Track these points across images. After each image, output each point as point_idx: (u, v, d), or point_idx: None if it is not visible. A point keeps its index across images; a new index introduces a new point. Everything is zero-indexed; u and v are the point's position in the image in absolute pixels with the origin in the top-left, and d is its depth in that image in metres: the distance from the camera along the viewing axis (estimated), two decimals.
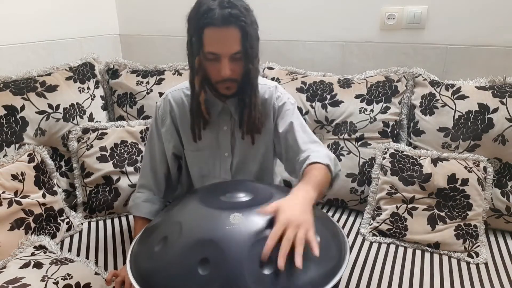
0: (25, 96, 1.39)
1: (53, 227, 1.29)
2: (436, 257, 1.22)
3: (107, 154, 1.46)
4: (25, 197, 1.22)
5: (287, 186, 1.48)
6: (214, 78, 1.00)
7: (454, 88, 1.38)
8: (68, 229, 1.35)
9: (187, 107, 1.11)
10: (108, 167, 1.45)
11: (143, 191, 1.21)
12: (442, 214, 1.25)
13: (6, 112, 1.33)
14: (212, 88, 1.04)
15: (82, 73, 1.61)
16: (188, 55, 1.02)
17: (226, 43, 0.93)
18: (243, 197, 0.86)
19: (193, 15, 0.94)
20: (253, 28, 0.95)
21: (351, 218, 1.45)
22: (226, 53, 0.93)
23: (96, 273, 1.09)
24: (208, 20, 0.90)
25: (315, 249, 0.70)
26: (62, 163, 1.51)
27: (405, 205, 1.29)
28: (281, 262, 0.67)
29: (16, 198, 1.20)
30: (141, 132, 1.52)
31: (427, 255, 1.23)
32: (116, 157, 1.47)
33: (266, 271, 0.69)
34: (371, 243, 1.29)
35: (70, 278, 1.02)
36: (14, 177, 1.22)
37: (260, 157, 1.18)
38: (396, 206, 1.30)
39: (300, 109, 1.50)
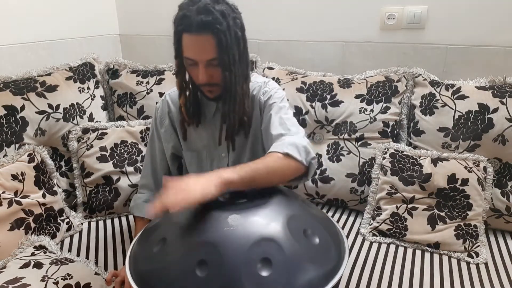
0: (25, 96, 1.39)
1: (53, 227, 1.29)
2: (436, 257, 1.22)
3: (107, 154, 1.46)
4: (25, 197, 1.22)
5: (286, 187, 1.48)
6: (196, 82, 1.02)
7: (454, 88, 1.38)
8: (68, 229, 1.35)
9: None
10: (108, 167, 1.45)
11: (144, 192, 1.21)
12: (442, 214, 1.25)
13: (6, 112, 1.33)
14: (199, 90, 1.06)
15: (82, 73, 1.61)
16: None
17: (200, 50, 0.93)
18: (241, 198, 0.86)
19: (174, 19, 0.95)
20: (232, 33, 0.93)
21: (351, 218, 1.45)
22: (202, 59, 0.94)
23: (96, 273, 1.09)
24: (183, 26, 0.92)
25: (151, 209, 0.74)
26: (62, 163, 1.51)
27: (405, 205, 1.29)
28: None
29: (16, 198, 1.20)
30: (141, 132, 1.52)
31: (427, 255, 1.23)
32: (116, 157, 1.47)
33: (264, 273, 0.69)
34: (371, 243, 1.29)
35: (70, 278, 1.02)
36: (14, 177, 1.22)
37: (254, 156, 1.16)
38: (396, 206, 1.30)
39: (300, 109, 1.50)
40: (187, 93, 1.07)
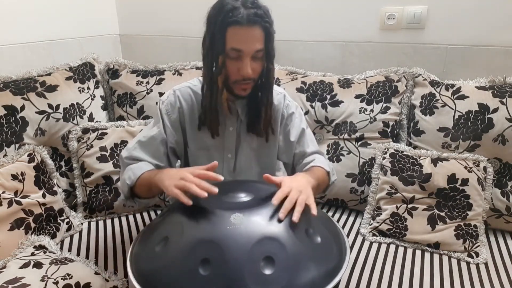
0: (25, 96, 1.39)
1: (53, 227, 1.29)
2: (436, 257, 1.22)
3: (107, 154, 1.46)
4: (25, 197, 1.22)
5: None
6: (233, 77, 1.00)
7: (454, 88, 1.38)
8: (68, 229, 1.34)
9: (195, 105, 1.11)
10: (108, 167, 1.45)
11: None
12: (442, 214, 1.25)
13: (6, 112, 1.33)
14: (227, 89, 1.03)
15: (82, 73, 1.61)
16: (205, 54, 1.01)
17: (250, 41, 0.94)
18: (244, 197, 0.86)
19: (216, 14, 0.95)
20: (273, 29, 0.98)
21: (351, 218, 1.45)
22: (249, 50, 0.95)
23: (96, 273, 1.08)
24: (233, 18, 0.92)
25: (314, 210, 0.81)
26: (62, 163, 1.51)
27: (405, 205, 1.29)
28: (281, 215, 0.77)
29: (16, 198, 1.20)
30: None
31: (427, 255, 1.23)
32: (116, 157, 1.47)
33: (267, 271, 0.69)
34: (371, 243, 1.29)
35: (70, 278, 1.02)
36: (14, 177, 1.22)
37: (264, 160, 1.18)
38: (396, 206, 1.30)
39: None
40: (215, 92, 1.03)
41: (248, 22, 0.92)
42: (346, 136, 1.46)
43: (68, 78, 1.55)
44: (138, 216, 1.47)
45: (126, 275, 1.14)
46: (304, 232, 0.78)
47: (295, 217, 0.77)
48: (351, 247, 1.27)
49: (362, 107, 1.46)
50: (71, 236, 1.34)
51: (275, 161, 1.22)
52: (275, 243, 0.73)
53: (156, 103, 1.17)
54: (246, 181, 1.12)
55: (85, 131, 1.49)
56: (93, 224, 1.42)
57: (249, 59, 0.95)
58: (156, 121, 1.14)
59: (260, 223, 0.77)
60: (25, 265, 1.05)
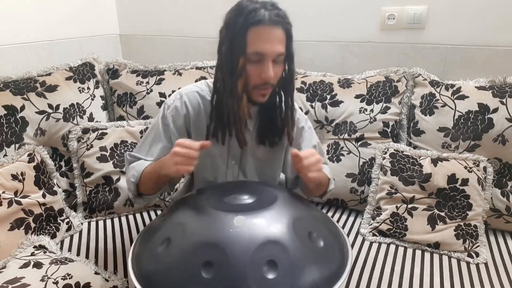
0: (25, 96, 1.39)
1: (53, 227, 1.29)
2: (436, 257, 1.22)
3: (107, 154, 1.46)
4: (25, 197, 1.22)
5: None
6: (253, 82, 0.95)
7: (454, 88, 1.38)
8: (68, 229, 1.34)
9: (203, 110, 1.06)
10: (108, 167, 1.45)
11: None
12: (442, 214, 1.25)
13: (6, 112, 1.33)
14: (246, 94, 0.98)
15: (82, 73, 1.61)
16: (224, 61, 0.95)
17: (272, 41, 0.91)
18: (247, 199, 0.85)
19: (235, 15, 0.91)
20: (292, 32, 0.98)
21: (351, 218, 1.45)
22: (272, 52, 0.91)
23: (96, 273, 1.09)
24: (255, 18, 0.88)
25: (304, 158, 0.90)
26: (62, 163, 1.51)
27: (405, 205, 1.29)
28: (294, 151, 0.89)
29: (16, 198, 1.20)
30: (141, 132, 1.52)
31: (427, 255, 1.23)
32: (116, 157, 1.47)
33: (270, 275, 0.69)
34: (371, 243, 1.29)
35: (70, 278, 1.02)
36: (14, 177, 1.22)
37: (267, 171, 1.16)
38: (396, 206, 1.30)
39: (299, 109, 1.50)
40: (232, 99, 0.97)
41: (270, 22, 0.90)
42: (346, 136, 1.46)
43: (68, 78, 1.55)
44: (138, 216, 1.47)
45: (126, 275, 1.14)
46: (307, 235, 0.77)
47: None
48: (351, 247, 1.27)
49: (362, 107, 1.46)
50: (71, 236, 1.34)
51: (279, 174, 1.20)
52: (278, 246, 0.72)
53: (157, 103, 1.16)
54: (249, 182, 1.11)
55: (85, 131, 1.49)
56: (93, 224, 1.42)
57: (270, 62, 0.92)
58: (157, 126, 1.09)
59: (263, 226, 0.76)
60: (25, 265, 1.05)
